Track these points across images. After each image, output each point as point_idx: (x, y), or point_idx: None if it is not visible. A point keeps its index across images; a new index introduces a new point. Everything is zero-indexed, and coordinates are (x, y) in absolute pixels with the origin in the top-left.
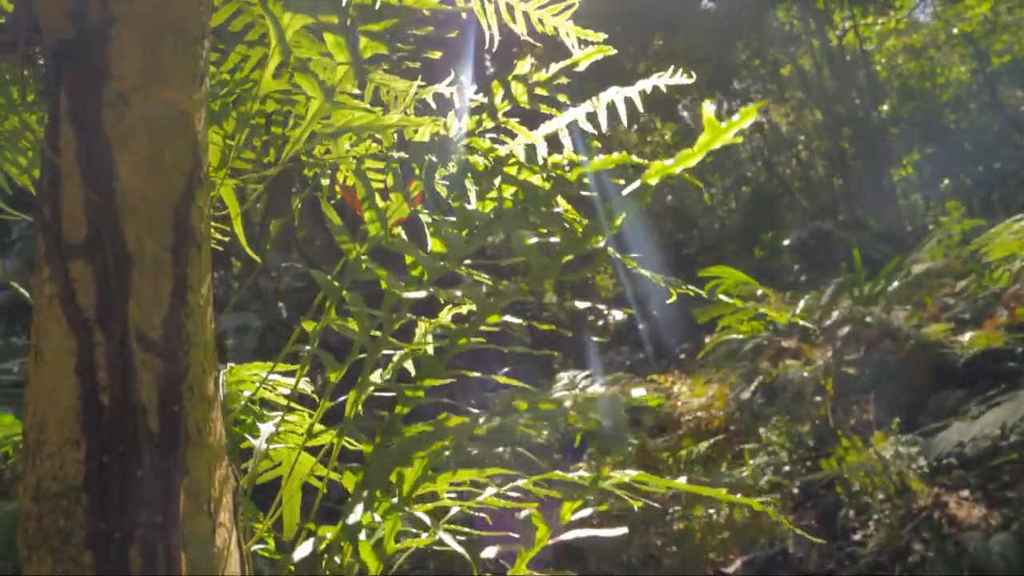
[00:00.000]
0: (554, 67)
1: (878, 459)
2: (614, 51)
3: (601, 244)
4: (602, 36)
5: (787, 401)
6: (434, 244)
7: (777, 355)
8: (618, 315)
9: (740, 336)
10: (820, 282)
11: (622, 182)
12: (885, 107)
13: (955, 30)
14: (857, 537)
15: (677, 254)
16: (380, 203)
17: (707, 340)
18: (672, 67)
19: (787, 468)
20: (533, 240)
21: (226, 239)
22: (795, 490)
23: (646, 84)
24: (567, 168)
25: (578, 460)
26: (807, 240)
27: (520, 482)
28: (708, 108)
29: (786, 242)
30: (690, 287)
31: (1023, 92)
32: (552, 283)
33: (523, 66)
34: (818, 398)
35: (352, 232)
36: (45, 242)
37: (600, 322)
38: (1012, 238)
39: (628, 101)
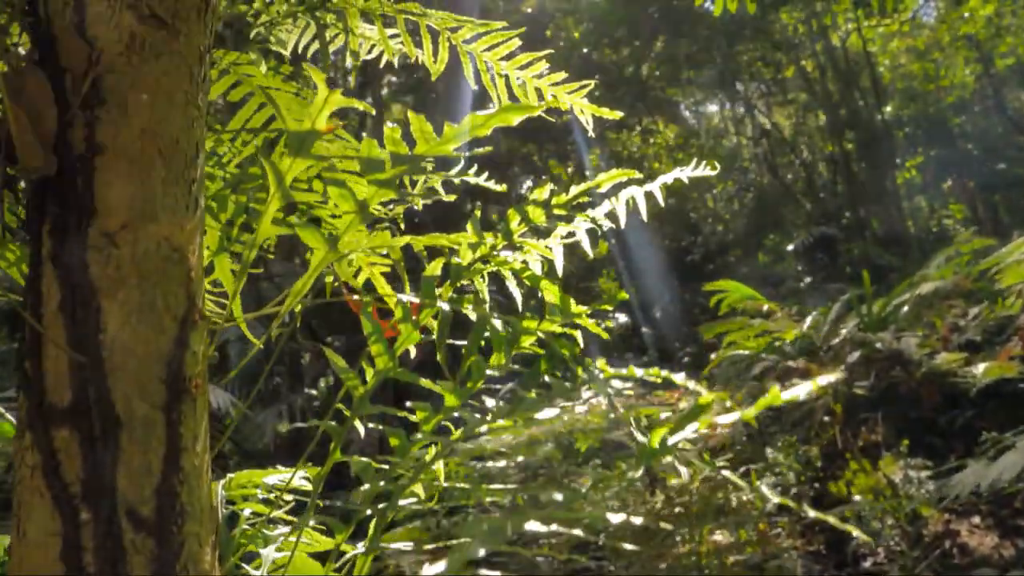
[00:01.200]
0: (575, 188)
1: (887, 483)
2: (638, 175)
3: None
4: (619, 114)
5: (795, 420)
6: (448, 399)
7: (784, 374)
8: (621, 318)
9: (746, 352)
10: (824, 288)
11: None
12: (888, 108)
13: (959, 32)
14: (867, 564)
15: (681, 261)
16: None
17: (712, 353)
18: (674, 69)
19: (795, 490)
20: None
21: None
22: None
23: (668, 178)
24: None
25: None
26: (811, 245)
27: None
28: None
29: (790, 247)
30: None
31: None
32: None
33: (543, 193)
34: (826, 418)
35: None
36: (28, 404)
37: (602, 324)
38: None
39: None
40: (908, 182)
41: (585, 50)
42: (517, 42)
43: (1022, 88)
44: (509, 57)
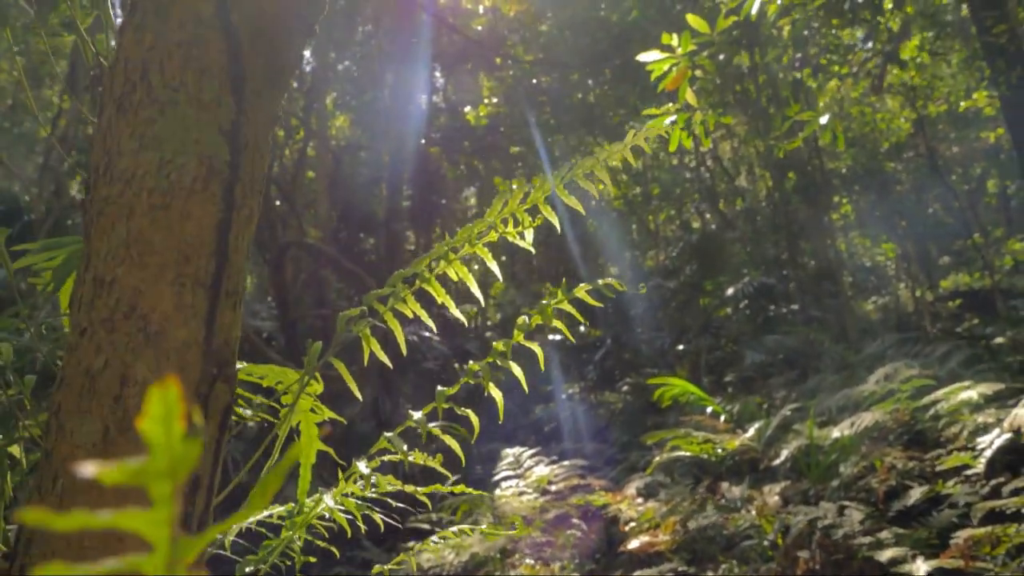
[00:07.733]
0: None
1: None
2: None
3: None
4: None
5: (736, 544)
6: None
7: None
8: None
9: (688, 454)
10: (761, 339)
11: None
12: (827, 140)
13: (894, 72)
14: None
15: (624, 317)
16: None
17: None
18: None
19: None
20: None
21: None
22: None
23: None
24: None
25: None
26: (751, 293)
27: None
28: None
29: (729, 291)
30: None
31: (957, 142)
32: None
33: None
34: (766, 542)
35: None
36: None
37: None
38: (966, 417)
39: None
40: (843, 217)
41: (534, 81)
42: None
43: (953, 130)
44: None
